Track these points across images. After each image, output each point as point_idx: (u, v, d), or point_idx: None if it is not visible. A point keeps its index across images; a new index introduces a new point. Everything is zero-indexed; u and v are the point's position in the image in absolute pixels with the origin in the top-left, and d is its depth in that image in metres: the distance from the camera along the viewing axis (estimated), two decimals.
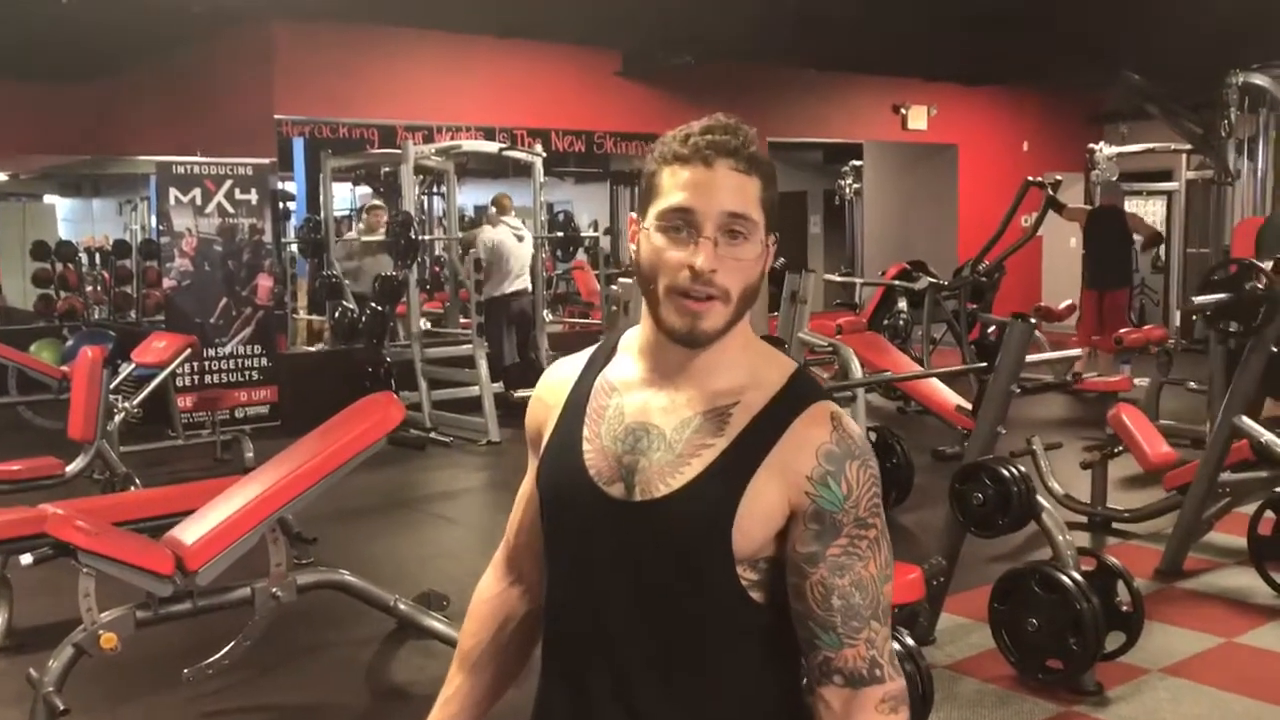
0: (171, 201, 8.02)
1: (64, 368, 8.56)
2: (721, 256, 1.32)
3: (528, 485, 1.55)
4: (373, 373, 8.36)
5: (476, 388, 8.03)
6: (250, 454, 7.25)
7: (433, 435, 8.00)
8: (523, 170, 9.57)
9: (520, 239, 8.72)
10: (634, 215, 1.43)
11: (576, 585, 1.42)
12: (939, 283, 8.71)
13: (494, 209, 8.84)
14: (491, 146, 8.96)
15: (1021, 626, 3.64)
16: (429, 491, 6.90)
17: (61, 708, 3.39)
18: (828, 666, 1.33)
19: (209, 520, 3.71)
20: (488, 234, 8.81)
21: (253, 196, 8.21)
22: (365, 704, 3.84)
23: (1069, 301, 10.32)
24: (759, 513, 1.32)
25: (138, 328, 10.11)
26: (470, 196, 13.29)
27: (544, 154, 8.96)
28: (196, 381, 8.04)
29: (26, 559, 3.45)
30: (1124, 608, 3.68)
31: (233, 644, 3.71)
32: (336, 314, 8.80)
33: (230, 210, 8.15)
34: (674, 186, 1.35)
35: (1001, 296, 9.98)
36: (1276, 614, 4.27)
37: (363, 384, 8.15)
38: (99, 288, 12.14)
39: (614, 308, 5.45)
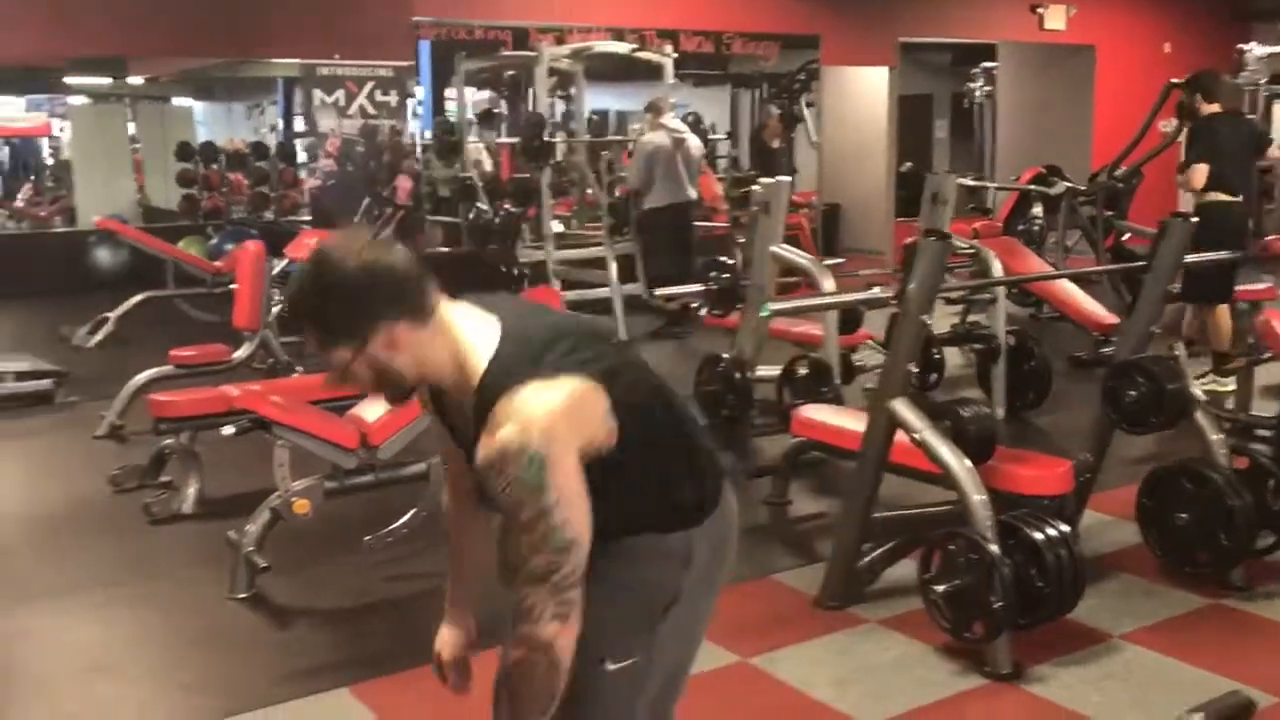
0: (316, 103, 8.26)
1: (216, 263, 9.00)
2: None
3: None
4: (506, 273, 8.57)
5: (607, 289, 8.19)
6: None
7: None
8: (644, 74, 9.52)
9: (682, 142, 8.13)
10: None
11: None
12: (1076, 188, 8.52)
13: (650, 113, 8.33)
14: (623, 47, 8.98)
15: (1170, 521, 3.70)
16: None
17: (263, 565, 3.72)
18: None
19: None
20: (646, 140, 8.21)
21: (392, 98, 8.42)
22: None
23: None
24: None
25: (276, 226, 10.48)
26: (591, 101, 13.34)
27: (674, 55, 8.96)
28: None
29: (228, 430, 3.74)
30: (1276, 508, 3.71)
31: (411, 514, 3.99)
32: (470, 215, 9.02)
33: (371, 111, 8.37)
34: None
35: (1137, 204, 9.73)
36: None
37: (496, 285, 8.40)
38: (230, 189, 12.63)
39: (754, 208, 5.52)
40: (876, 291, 3.31)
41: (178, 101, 14.91)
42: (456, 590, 2.00)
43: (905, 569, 3.73)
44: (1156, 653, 3.28)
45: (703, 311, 5.91)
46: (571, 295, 8.56)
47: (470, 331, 1.67)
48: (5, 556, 4.32)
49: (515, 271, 8.55)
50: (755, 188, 5.51)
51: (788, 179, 5.46)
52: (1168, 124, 9.46)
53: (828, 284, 5.13)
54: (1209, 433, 3.71)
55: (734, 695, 3.11)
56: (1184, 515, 3.65)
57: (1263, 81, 9.57)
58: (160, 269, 9.24)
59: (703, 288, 5.78)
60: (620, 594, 1.70)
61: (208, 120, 15.51)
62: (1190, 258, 3.95)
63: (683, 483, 1.77)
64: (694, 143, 8.29)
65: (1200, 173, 6.08)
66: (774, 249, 5.30)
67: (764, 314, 3.15)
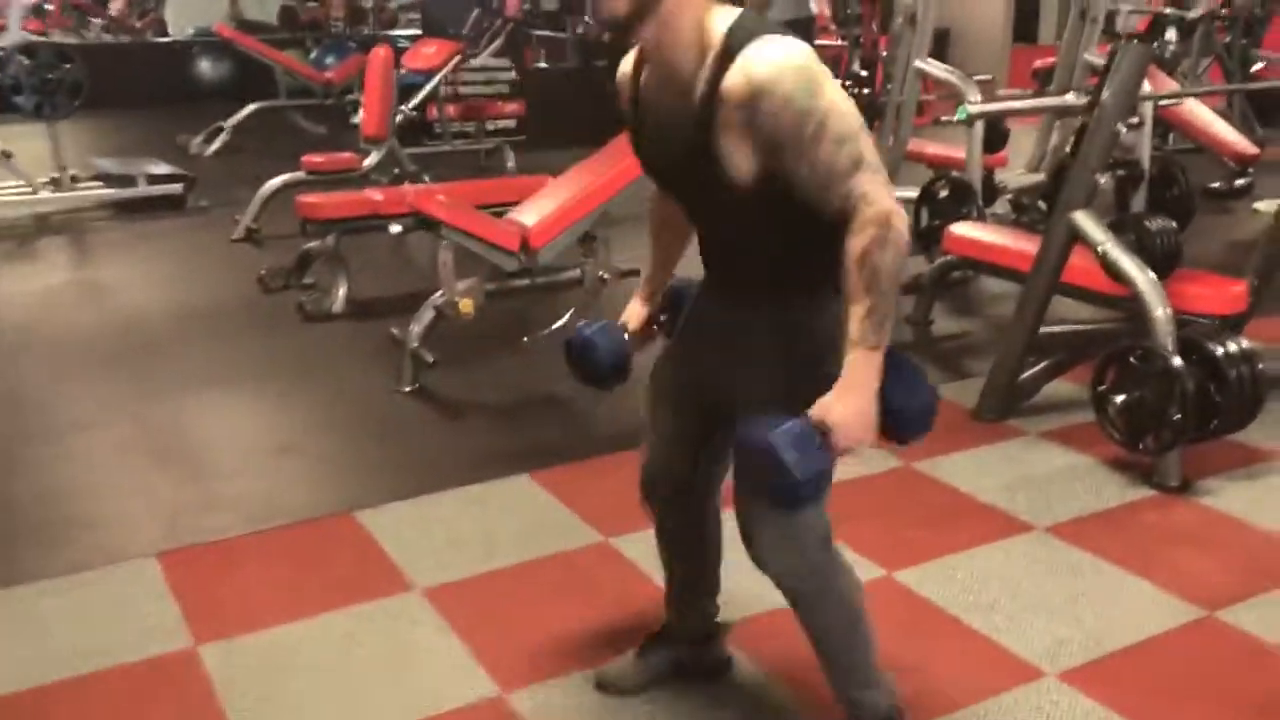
0: None
1: (327, 74, 8.97)
2: None
3: None
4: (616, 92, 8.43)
5: None
6: (511, 163, 7.56)
7: None
8: None
9: None
10: None
11: None
12: (1216, 12, 8.12)
13: None
14: None
15: None
16: None
17: (430, 359, 3.83)
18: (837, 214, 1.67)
19: (546, 205, 3.98)
20: None
21: None
22: None
23: None
24: (738, 162, 1.68)
25: (376, 39, 10.38)
26: None
27: None
28: (451, 92, 8.29)
29: (395, 229, 3.79)
30: None
31: (568, 315, 4.06)
32: (578, 30, 8.85)
33: None
34: None
35: (1272, 33, 9.28)
36: None
37: (607, 105, 8.27)
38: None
39: (899, 19, 5.35)
40: (1070, 98, 3.21)
41: None
42: (650, 275, 2.22)
43: (1056, 386, 3.77)
44: None
45: None
46: None
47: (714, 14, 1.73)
48: (175, 347, 4.49)
49: None
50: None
51: None
52: None
53: (974, 98, 4.98)
54: None
55: (902, 494, 3.18)
56: None
57: None
58: (263, 82, 9.25)
59: None
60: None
61: None
62: None
63: None
64: None
65: None
66: (919, 63, 5.16)
67: (962, 116, 3.07)
